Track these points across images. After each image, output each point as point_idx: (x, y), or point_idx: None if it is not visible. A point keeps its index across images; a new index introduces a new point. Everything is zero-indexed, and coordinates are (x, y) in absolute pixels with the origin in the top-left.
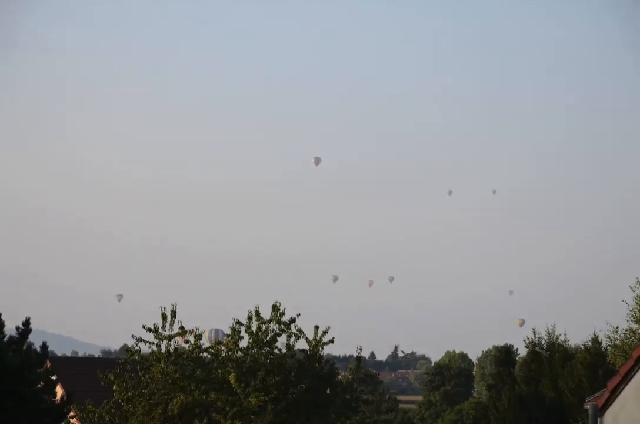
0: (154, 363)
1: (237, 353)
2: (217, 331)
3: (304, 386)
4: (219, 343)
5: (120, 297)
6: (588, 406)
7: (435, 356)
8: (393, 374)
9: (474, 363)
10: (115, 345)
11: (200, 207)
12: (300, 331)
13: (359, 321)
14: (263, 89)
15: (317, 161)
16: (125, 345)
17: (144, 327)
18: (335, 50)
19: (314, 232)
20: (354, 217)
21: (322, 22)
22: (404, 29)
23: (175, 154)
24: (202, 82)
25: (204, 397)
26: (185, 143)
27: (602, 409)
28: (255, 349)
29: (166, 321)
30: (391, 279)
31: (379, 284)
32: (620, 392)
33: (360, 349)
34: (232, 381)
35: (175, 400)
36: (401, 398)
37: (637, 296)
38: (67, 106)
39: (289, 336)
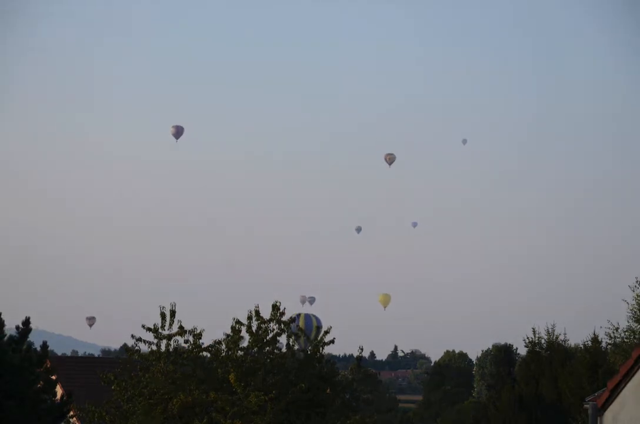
0: (153, 362)
1: (237, 352)
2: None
3: (304, 385)
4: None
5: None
6: (588, 406)
7: (435, 355)
8: (393, 374)
9: (474, 362)
10: (115, 345)
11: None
12: (300, 330)
13: (359, 321)
14: None
15: (178, 131)
16: (125, 345)
17: (143, 326)
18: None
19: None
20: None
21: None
22: None
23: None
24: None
25: (204, 397)
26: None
27: (602, 409)
28: (256, 349)
29: (165, 321)
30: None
31: (379, 283)
32: (620, 391)
33: (361, 349)
34: (232, 381)
35: (175, 400)
36: (401, 397)
37: (638, 295)
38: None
39: (289, 336)
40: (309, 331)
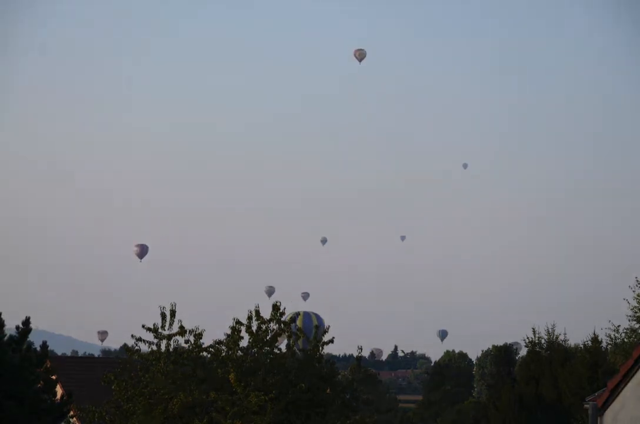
0: (153, 362)
1: (237, 352)
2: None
3: (304, 385)
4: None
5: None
6: (588, 406)
7: (435, 355)
8: (393, 374)
9: (474, 362)
10: (115, 345)
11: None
12: (300, 330)
13: (359, 321)
14: None
15: (142, 251)
16: (125, 345)
17: (143, 326)
18: None
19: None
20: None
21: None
22: None
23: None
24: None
25: (204, 397)
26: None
27: (602, 409)
28: (256, 349)
29: (165, 321)
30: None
31: (378, 283)
32: (620, 391)
33: (361, 349)
34: (232, 381)
35: (175, 400)
36: (401, 397)
37: (638, 295)
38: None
39: (289, 336)
40: (308, 330)
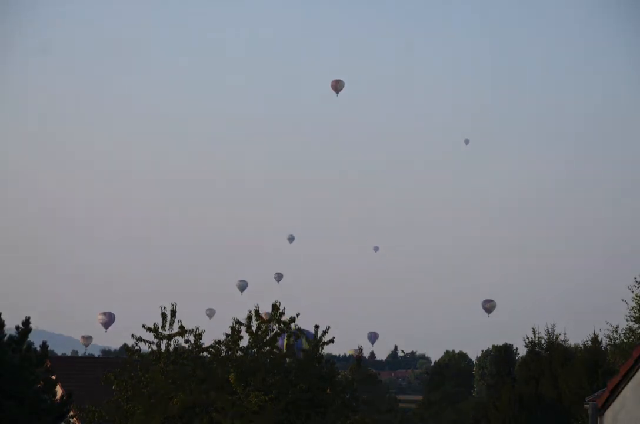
0: (153, 362)
1: (237, 352)
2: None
3: (303, 386)
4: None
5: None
6: (588, 406)
7: (435, 355)
8: (393, 374)
9: (474, 362)
10: (115, 345)
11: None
12: (300, 330)
13: (359, 321)
14: None
15: (109, 320)
16: (125, 345)
17: (143, 326)
18: None
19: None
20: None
21: None
22: None
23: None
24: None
25: (204, 397)
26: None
27: (602, 409)
28: (255, 349)
29: (166, 321)
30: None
31: (378, 283)
32: (620, 391)
33: (361, 349)
34: (232, 381)
35: (175, 400)
36: (401, 397)
37: (637, 295)
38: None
39: (289, 336)
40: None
